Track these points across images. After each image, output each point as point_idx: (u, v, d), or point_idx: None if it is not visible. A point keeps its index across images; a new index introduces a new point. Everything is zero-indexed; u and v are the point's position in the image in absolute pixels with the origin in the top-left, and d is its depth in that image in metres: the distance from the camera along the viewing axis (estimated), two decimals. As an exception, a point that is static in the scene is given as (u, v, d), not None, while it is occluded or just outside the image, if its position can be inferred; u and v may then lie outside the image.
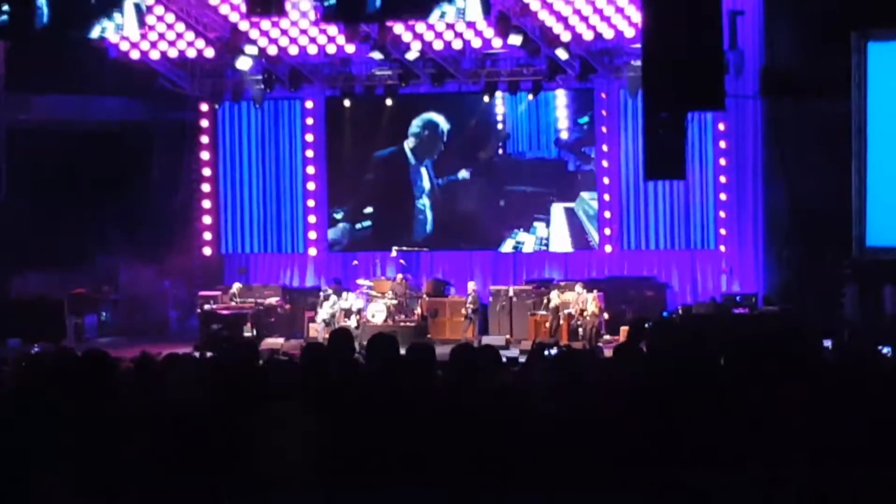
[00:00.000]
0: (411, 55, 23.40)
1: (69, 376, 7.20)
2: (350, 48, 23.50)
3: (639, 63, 19.83)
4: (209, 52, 23.79)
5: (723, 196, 24.46)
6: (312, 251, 26.45)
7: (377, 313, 23.13)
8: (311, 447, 6.02)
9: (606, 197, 25.06)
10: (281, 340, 22.58)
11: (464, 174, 25.68)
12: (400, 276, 24.38)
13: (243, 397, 6.60)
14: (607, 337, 22.27)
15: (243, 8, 22.08)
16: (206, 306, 23.81)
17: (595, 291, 22.83)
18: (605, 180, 25.08)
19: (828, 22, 21.09)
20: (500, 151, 25.78)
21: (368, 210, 26.10)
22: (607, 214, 25.09)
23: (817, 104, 22.03)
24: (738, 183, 24.40)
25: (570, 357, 7.62)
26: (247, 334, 22.50)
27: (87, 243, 25.07)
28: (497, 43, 22.69)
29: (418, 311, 23.80)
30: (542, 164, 25.60)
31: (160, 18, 23.39)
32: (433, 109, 25.67)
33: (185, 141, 26.49)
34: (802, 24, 22.00)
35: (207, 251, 26.52)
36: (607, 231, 25.11)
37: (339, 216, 26.34)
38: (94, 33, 20.38)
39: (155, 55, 23.70)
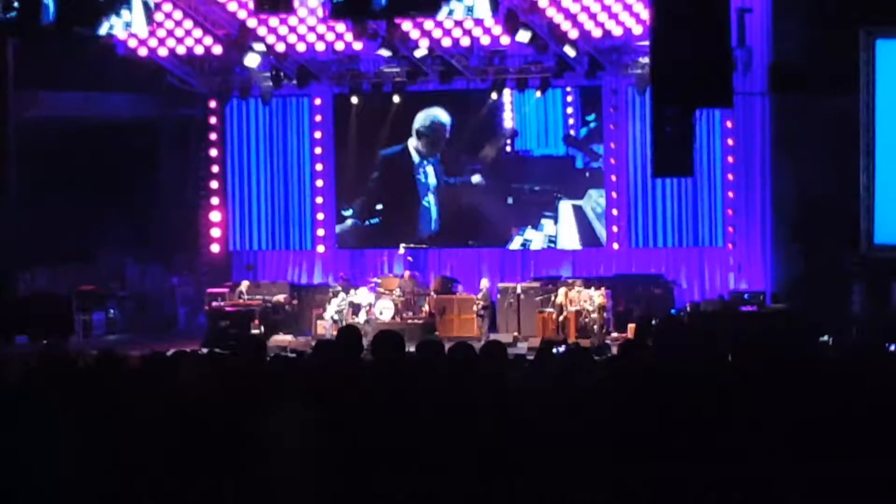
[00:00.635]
0: (419, 52, 23.38)
1: (77, 375, 7.21)
2: (358, 45, 23.50)
3: (647, 60, 19.88)
4: (217, 49, 23.81)
5: (731, 193, 24.41)
6: (321, 248, 26.46)
7: (385, 310, 23.14)
8: (315, 445, 6.02)
9: (614, 194, 25.01)
10: (289, 338, 22.60)
11: (477, 179, 25.64)
12: (408, 273, 24.36)
13: (250, 395, 6.60)
14: (615, 334, 22.21)
15: (251, 5, 22.11)
16: (214, 303, 23.83)
17: (603, 289, 22.81)
18: (613, 178, 25.03)
19: (836, 19, 21.03)
20: (508, 149, 25.75)
21: (379, 207, 26.10)
22: (615, 212, 25.04)
23: (826, 101, 21.97)
24: (745, 180, 24.35)
25: (577, 354, 7.62)
26: (255, 331, 22.47)
27: (95, 240, 25.07)
28: (505, 40, 22.66)
29: (426, 308, 23.78)
30: (550, 161, 25.55)
31: (168, 15, 23.38)
32: (440, 106, 25.64)
33: (193, 138, 26.50)
34: (811, 21, 21.93)
35: (215, 248, 26.50)
36: (615, 228, 25.06)
37: (347, 213, 26.34)
38: (103, 30, 20.46)
39: (163, 52, 23.71)
